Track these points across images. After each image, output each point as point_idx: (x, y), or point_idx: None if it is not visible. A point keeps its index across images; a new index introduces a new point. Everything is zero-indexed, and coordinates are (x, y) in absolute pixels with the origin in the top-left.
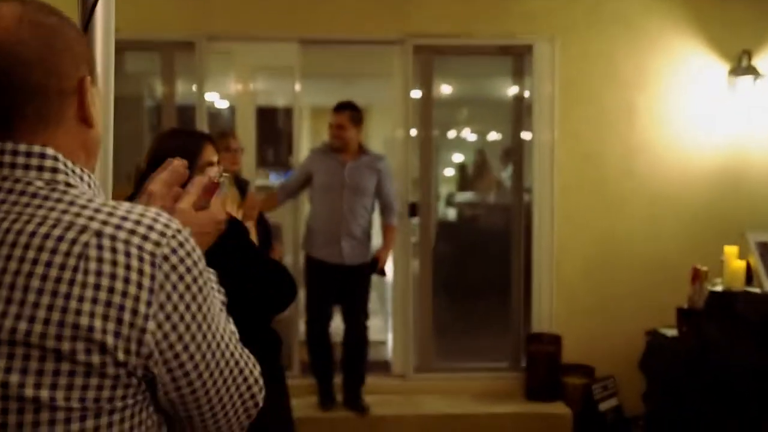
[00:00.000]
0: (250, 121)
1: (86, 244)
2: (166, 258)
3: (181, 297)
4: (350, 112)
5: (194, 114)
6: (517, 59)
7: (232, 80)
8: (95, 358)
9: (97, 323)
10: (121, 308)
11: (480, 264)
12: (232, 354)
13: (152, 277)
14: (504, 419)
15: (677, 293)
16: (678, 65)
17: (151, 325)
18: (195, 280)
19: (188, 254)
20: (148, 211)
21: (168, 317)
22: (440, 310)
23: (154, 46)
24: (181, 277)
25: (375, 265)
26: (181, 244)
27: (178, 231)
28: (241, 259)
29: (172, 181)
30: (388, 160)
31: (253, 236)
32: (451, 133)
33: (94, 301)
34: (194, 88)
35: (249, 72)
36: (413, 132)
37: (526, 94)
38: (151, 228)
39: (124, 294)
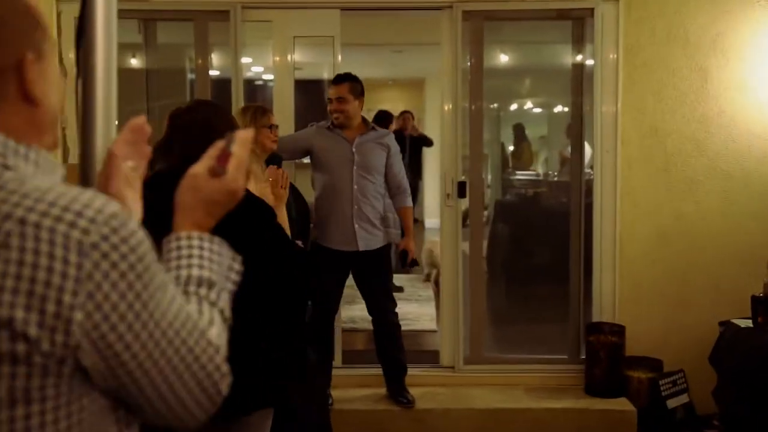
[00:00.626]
0: (289, 94)
1: (8, 233)
2: (95, 246)
3: (114, 286)
4: (350, 84)
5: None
6: (577, 24)
7: (269, 51)
8: (20, 348)
9: (19, 314)
10: (44, 299)
11: (537, 247)
12: (183, 341)
13: (79, 266)
14: (560, 415)
15: (753, 280)
16: (759, 27)
17: (77, 315)
18: (132, 267)
19: (123, 240)
20: (81, 196)
21: (98, 307)
22: (493, 296)
23: (188, 15)
24: (113, 265)
25: (405, 258)
26: (114, 230)
27: (112, 216)
28: (266, 244)
29: (133, 139)
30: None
31: (282, 220)
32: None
33: (15, 291)
34: (229, 59)
35: (287, 42)
36: (463, 105)
37: (587, 61)
38: (79, 214)
39: (47, 284)
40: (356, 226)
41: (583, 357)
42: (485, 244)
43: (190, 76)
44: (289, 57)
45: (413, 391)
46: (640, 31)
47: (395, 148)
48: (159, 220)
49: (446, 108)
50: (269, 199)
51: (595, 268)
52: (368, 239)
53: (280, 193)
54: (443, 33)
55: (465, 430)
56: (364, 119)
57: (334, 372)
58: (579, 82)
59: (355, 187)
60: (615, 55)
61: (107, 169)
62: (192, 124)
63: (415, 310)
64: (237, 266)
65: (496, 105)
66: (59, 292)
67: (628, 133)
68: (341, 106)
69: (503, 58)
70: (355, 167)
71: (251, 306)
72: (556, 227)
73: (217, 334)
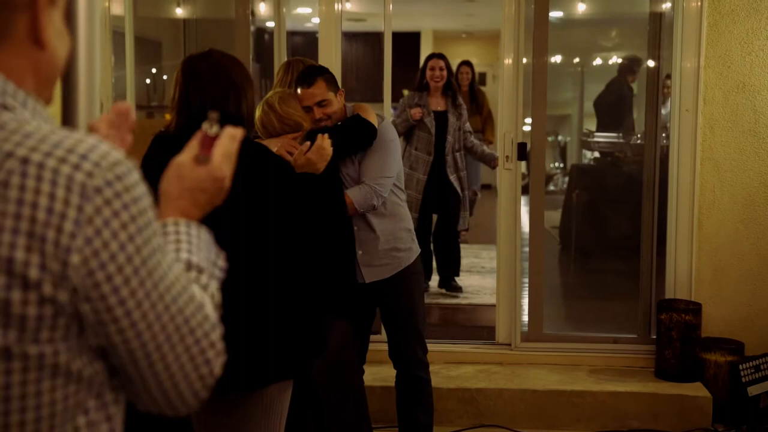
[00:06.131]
0: (335, 48)
1: (10, 171)
2: (98, 190)
3: (114, 235)
4: (323, 79)
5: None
6: None
7: (316, 1)
8: (15, 295)
9: (19, 255)
10: (43, 239)
11: (612, 216)
12: (180, 310)
13: (79, 209)
14: (626, 400)
15: None
16: None
17: (74, 258)
18: (133, 218)
19: (127, 189)
20: (86, 140)
21: (95, 253)
22: (561, 270)
23: None
24: (115, 213)
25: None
26: (118, 178)
27: (118, 163)
28: (284, 202)
29: (117, 123)
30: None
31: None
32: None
33: (15, 231)
34: (272, 9)
35: None
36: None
37: (666, 8)
38: (84, 157)
39: (46, 224)
40: (359, 252)
41: (654, 337)
42: (560, 213)
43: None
44: (336, 6)
45: (465, 369)
46: None
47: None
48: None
49: (506, 62)
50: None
51: (670, 240)
52: (376, 269)
53: (315, 165)
54: None
55: (519, 413)
56: (345, 109)
57: (378, 346)
58: (657, 33)
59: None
60: (698, 2)
61: None
62: (209, 74)
63: (477, 282)
64: (221, 262)
65: (578, 59)
66: (57, 232)
67: (712, 90)
68: (325, 111)
69: (580, 7)
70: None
71: (263, 272)
72: (630, 195)
73: (212, 311)
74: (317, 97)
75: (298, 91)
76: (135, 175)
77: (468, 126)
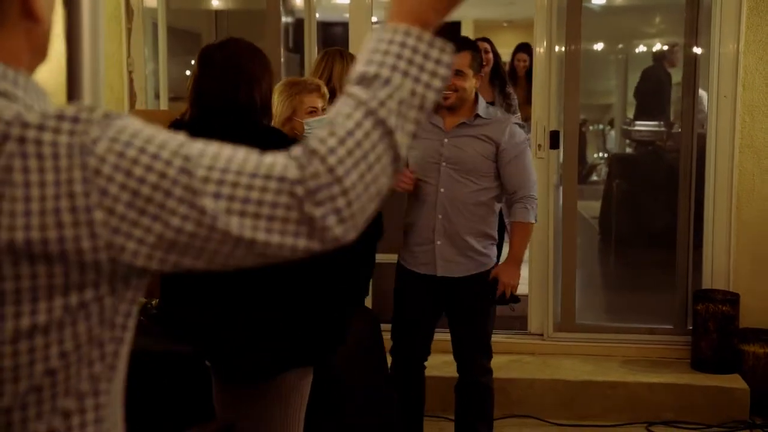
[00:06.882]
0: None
1: (10, 155)
2: (95, 141)
3: (128, 173)
4: (471, 53)
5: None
6: None
7: None
8: (40, 269)
9: (35, 235)
10: (57, 211)
11: (649, 205)
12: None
13: (83, 166)
14: (660, 391)
15: None
16: None
17: (97, 215)
18: (142, 150)
19: (122, 129)
20: (70, 105)
21: (116, 199)
22: (599, 260)
23: None
24: (120, 155)
25: (493, 289)
26: (109, 122)
27: (107, 114)
28: None
29: None
30: None
31: None
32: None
33: (27, 213)
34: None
35: None
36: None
37: None
38: (75, 119)
39: (56, 197)
40: (437, 242)
41: (690, 328)
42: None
43: (285, 19)
44: None
45: (497, 359)
46: None
47: (510, 139)
48: None
49: (539, 51)
50: None
51: (707, 229)
52: (450, 263)
53: None
54: None
55: (550, 403)
56: (477, 100)
57: None
58: (694, 16)
59: (442, 190)
60: None
61: None
62: (223, 64)
63: None
64: (442, 71)
65: (621, 46)
66: (70, 199)
67: (752, 75)
68: (458, 81)
69: None
70: (444, 163)
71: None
72: (668, 184)
73: (283, 160)
74: (457, 65)
75: None
76: (125, 117)
77: (517, 117)
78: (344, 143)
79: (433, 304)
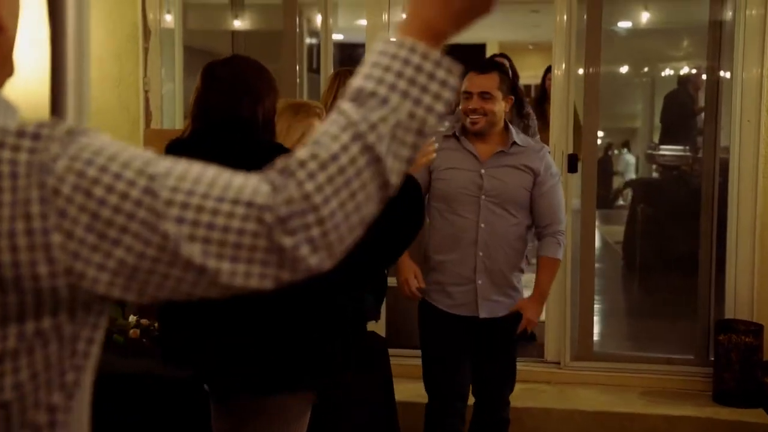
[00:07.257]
0: None
1: None
2: (55, 159)
3: (88, 194)
4: (499, 75)
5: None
6: None
7: (363, 11)
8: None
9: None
10: (12, 234)
11: (671, 232)
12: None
13: (41, 185)
14: (680, 424)
15: None
16: None
17: (55, 238)
18: (103, 168)
19: (84, 147)
20: (31, 123)
21: (75, 221)
22: (612, 284)
23: None
24: (80, 174)
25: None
26: (71, 138)
27: (69, 130)
28: None
29: None
30: None
31: None
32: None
33: None
34: (319, 20)
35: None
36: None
37: (727, 16)
38: (36, 136)
39: (12, 218)
40: (479, 281)
41: (712, 359)
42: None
43: (309, 40)
44: (384, 16)
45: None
46: None
47: (546, 169)
48: None
49: (557, 73)
50: None
51: (730, 257)
52: (492, 304)
53: None
54: None
55: None
56: (507, 126)
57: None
58: (717, 41)
59: (482, 225)
60: (761, 10)
61: None
62: (226, 79)
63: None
64: (447, 94)
65: (646, 69)
66: (26, 221)
67: None
68: (486, 105)
69: (644, 17)
70: (483, 196)
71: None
72: (691, 210)
73: (254, 183)
74: (484, 87)
75: (468, 75)
76: (90, 133)
77: (536, 140)
78: (326, 168)
79: (470, 345)
